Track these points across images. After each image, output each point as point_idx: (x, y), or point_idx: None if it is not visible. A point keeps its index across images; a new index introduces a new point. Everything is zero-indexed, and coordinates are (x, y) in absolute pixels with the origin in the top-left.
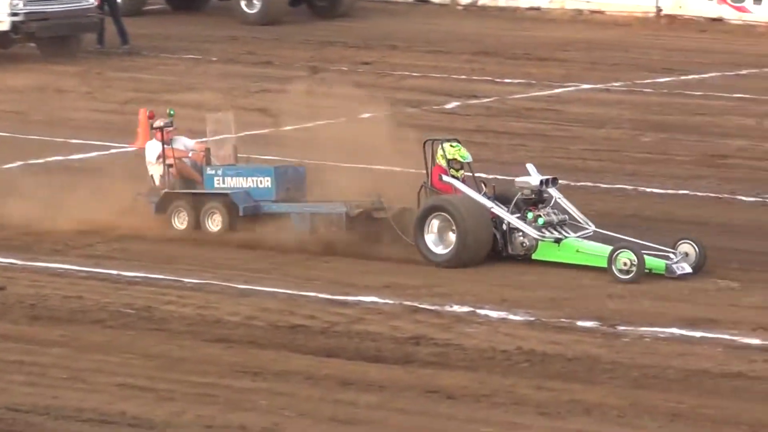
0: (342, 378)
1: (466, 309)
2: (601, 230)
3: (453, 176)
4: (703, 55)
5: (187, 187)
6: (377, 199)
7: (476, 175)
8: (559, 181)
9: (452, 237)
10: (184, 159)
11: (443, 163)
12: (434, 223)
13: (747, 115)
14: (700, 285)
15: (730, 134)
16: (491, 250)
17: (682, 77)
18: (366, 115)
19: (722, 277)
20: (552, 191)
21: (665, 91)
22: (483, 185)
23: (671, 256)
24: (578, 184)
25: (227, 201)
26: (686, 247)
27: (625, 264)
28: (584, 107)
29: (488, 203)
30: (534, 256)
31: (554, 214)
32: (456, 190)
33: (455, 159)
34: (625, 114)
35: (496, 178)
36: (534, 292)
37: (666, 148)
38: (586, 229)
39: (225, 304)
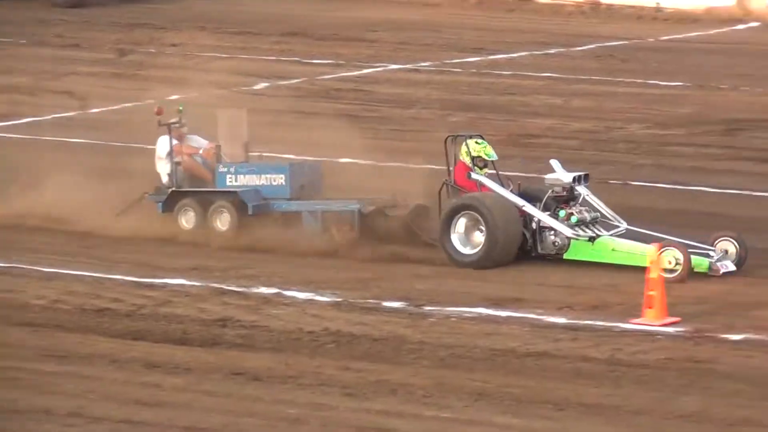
0: (148, 360)
1: (273, 290)
2: (633, 227)
3: (470, 172)
4: (511, 34)
5: (197, 186)
6: (391, 197)
7: (500, 172)
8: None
9: (479, 237)
10: (194, 157)
11: (467, 160)
12: (461, 222)
13: (555, 94)
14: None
15: (538, 113)
16: (520, 249)
17: (491, 57)
18: (174, 97)
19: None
20: (581, 188)
21: (474, 70)
22: (509, 183)
23: (711, 253)
24: (388, 164)
25: (236, 199)
26: (725, 244)
27: (670, 262)
28: (393, 87)
29: (519, 201)
30: (566, 256)
31: (586, 211)
32: (482, 188)
33: (480, 156)
34: (434, 94)
35: (306, 160)
36: (341, 273)
37: (475, 128)
38: (618, 226)
39: (31, 287)
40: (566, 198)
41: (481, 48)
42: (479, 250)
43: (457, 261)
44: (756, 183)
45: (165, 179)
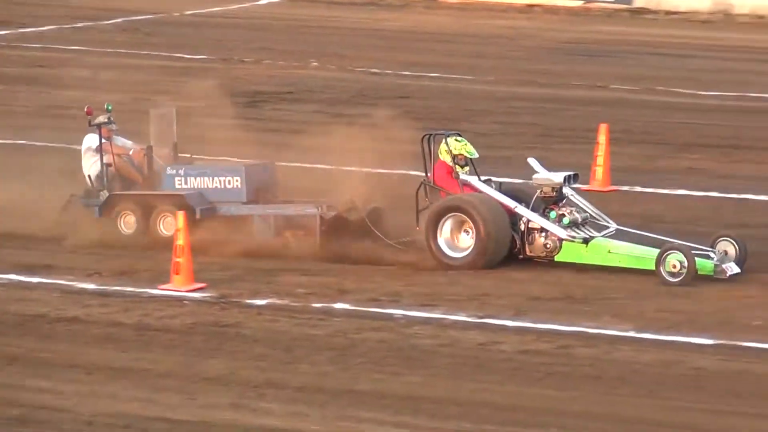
0: None
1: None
2: (624, 228)
3: (458, 173)
4: (39, 8)
5: (126, 188)
6: (349, 199)
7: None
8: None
9: (466, 239)
10: (124, 157)
11: (448, 159)
12: (448, 225)
13: (83, 66)
14: None
15: (67, 86)
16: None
17: (21, 30)
18: None
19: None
20: (566, 188)
21: (4, 43)
22: (491, 183)
23: (711, 255)
24: None
25: (182, 203)
26: (725, 244)
27: (674, 266)
28: None
29: (511, 203)
30: (557, 258)
31: (576, 212)
32: (465, 187)
33: (461, 154)
34: None
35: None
36: None
37: (5, 100)
38: (608, 227)
39: None
40: (555, 198)
41: (9, 21)
42: (469, 253)
43: (445, 264)
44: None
45: (94, 181)
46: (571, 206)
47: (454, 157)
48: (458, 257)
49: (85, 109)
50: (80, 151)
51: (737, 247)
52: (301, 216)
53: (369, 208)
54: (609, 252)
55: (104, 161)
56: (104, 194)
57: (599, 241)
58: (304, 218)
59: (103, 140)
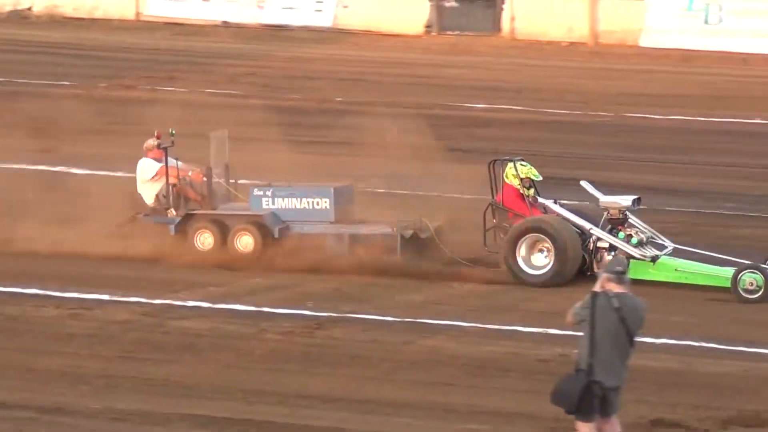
0: None
1: None
2: (680, 246)
3: (525, 195)
4: None
5: (184, 206)
6: (418, 219)
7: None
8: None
9: (540, 257)
10: (184, 178)
11: (515, 182)
12: (526, 244)
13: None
14: None
15: None
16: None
17: None
18: None
19: None
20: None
21: None
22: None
23: None
24: None
25: (259, 222)
26: None
27: (751, 284)
28: None
29: (587, 224)
30: None
31: (641, 233)
32: (533, 209)
33: (528, 178)
34: None
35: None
36: None
37: None
38: (666, 246)
39: None
40: (621, 220)
41: None
42: (547, 271)
43: (523, 281)
44: None
45: (150, 201)
46: (633, 227)
47: (521, 180)
48: (537, 274)
49: (156, 134)
50: (136, 175)
51: None
52: (377, 235)
53: (434, 227)
54: (676, 270)
55: (169, 182)
56: (171, 212)
57: (666, 260)
58: (381, 237)
59: (162, 164)
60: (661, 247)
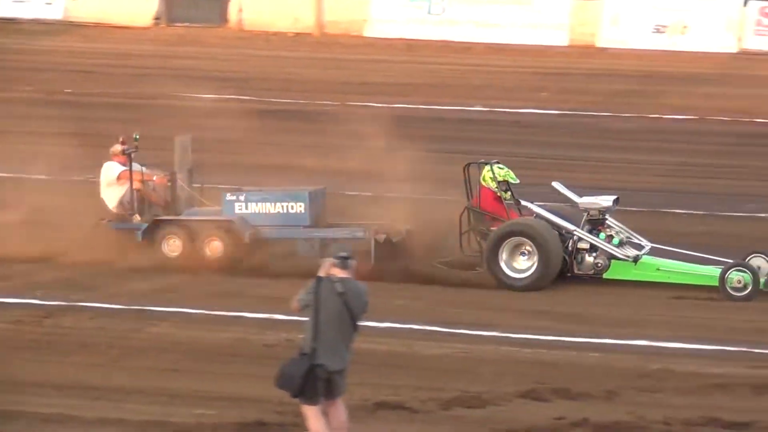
0: None
1: None
2: (658, 245)
3: (502, 197)
4: None
5: (147, 212)
6: (390, 223)
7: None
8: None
9: (523, 260)
10: (148, 183)
11: (493, 185)
12: (507, 248)
13: None
14: None
15: None
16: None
17: None
18: None
19: None
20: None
21: None
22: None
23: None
24: None
25: (229, 227)
26: (759, 261)
27: (738, 282)
28: None
29: (570, 226)
30: (606, 276)
31: (619, 233)
32: (510, 212)
33: (505, 180)
34: None
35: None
36: None
37: None
38: (644, 246)
39: None
40: (600, 220)
41: None
42: (532, 273)
43: (507, 284)
44: None
45: (112, 206)
46: (612, 227)
47: (498, 182)
48: (521, 278)
49: (121, 139)
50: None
51: None
52: (350, 239)
53: (405, 231)
54: (658, 270)
55: (133, 187)
56: (136, 218)
57: (648, 259)
58: (354, 241)
59: (126, 168)
60: (639, 247)
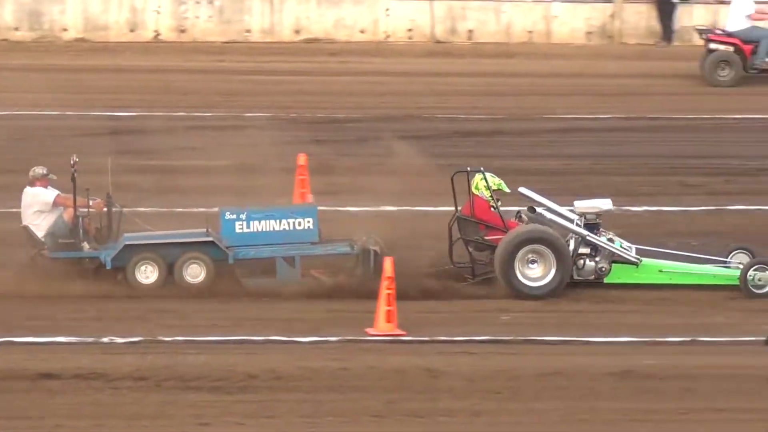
0: None
1: None
2: (642, 246)
3: (496, 206)
4: None
5: (68, 237)
6: (370, 237)
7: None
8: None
9: (536, 268)
10: (81, 209)
11: (486, 194)
12: (522, 255)
13: None
14: None
15: None
16: None
17: None
18: None
19: None
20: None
21: None
22: (520, 216)
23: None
24: None
25: (210, 249)
26: (741, 256)
27: (759, 279)
28: None
29: (583, 231)
30: (607, 280)
31: (615, 236)
32: (507, 221)
33: (499, 189)
34: None
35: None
36: None
37: None
38: (632, 248)
39: None
40: (596, 225)
41: None
42: (551, 281)
43: (523, 292)
44: None
45: (41, 235)
46: (606, 231)
47: (492, 191)
48: (539, 286)
49: (72, 161)
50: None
51: (750, 258)
52: (336, 255)
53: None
54: (660, 271)
55: (76, 213)
56: (85, 246)
57: (649, 261)
58: (340, 257)
59: (58, 192)
60: (628, 249)
